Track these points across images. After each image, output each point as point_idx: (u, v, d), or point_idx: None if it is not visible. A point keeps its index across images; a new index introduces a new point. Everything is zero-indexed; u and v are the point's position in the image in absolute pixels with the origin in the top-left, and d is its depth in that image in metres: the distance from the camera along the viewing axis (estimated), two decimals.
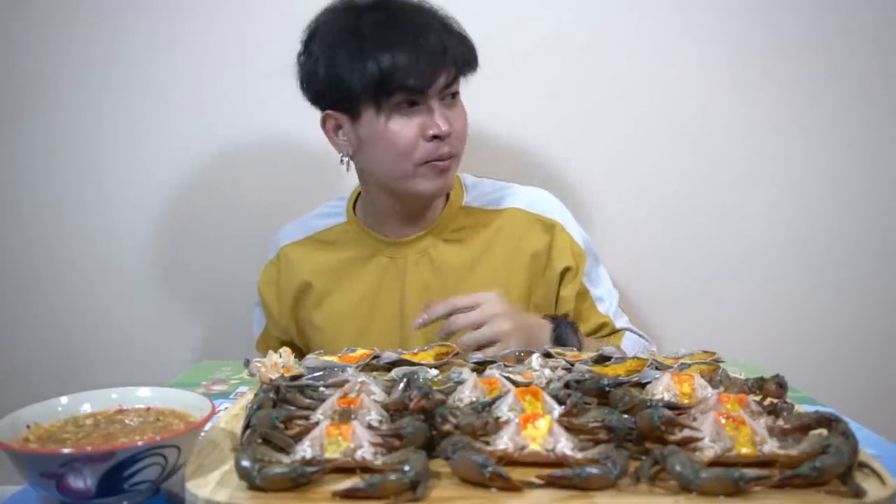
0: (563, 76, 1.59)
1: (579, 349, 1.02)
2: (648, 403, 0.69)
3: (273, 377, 0.83)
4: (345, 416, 0.68)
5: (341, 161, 1.20)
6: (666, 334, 1.62)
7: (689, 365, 0.84)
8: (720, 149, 1.61)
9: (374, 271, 1.25)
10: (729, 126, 1.61)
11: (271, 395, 0.73)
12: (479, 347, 1.01)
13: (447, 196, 1.26)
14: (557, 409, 0.68)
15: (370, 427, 0.66)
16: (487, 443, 0.63)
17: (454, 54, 1.13)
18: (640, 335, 1.28)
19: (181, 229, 1.65)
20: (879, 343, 1.68)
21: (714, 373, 0.81)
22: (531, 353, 0.91)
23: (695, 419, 0.66)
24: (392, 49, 1.10)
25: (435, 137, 1.13)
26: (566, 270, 1.24)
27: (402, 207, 1.22)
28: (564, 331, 1.09)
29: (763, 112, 1.60)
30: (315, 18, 1.16)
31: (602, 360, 0.91)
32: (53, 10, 1.58)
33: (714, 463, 0.59)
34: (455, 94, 1.17)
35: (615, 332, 1.26)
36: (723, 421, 0.62)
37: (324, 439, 0.61)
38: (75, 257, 1.65)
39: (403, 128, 1.13)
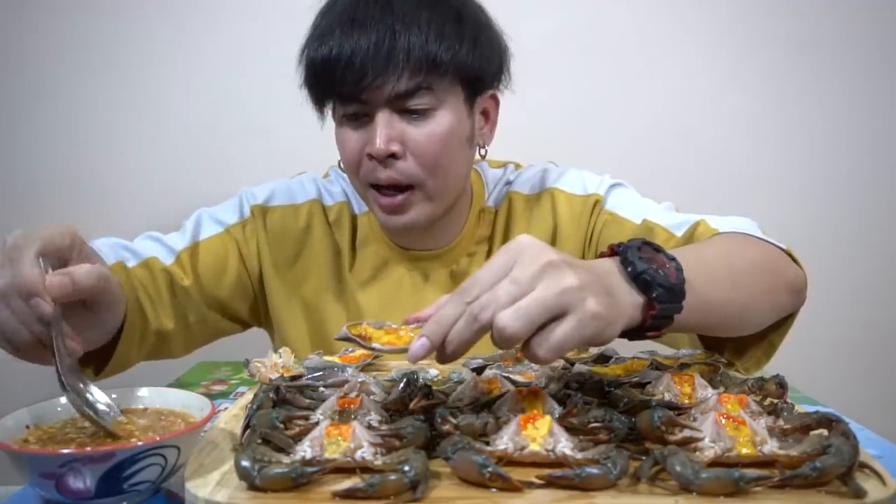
0: (562, 76, 1.59)
1: (671, 259, 0.68)
2: (648, 403, 0.69)
3: (273, 377, 0.83)
4: (345, 416, 0.68)
5: None
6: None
7: (689, 365, 0.84)
8: (720, 148, 1.61)
9: (388, 282, 1.10)
10: (729, 126, 1.61)
11: (271, 395, 0.73)
12: (541, 327, 0.58)
13: (470, 201, 1.10)
14: (557, 409, 0.68)
15: (370, 427, 0.65)
16: (487, 443, 0.63)
17: (425, 53, 0.89)
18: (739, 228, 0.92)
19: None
20: (879, 343, 1.68)
21: (714, 373, 0.81)
22: None
23: (695, 419, 0.66)
24: (328, 38, 0.90)
25: (371, 157, 0.94)
26: (591, 231, 1.06)
27: None
28: (632, 257, 0.66)
29: (763, 111, 1.60)
30: None
31: (602, 360, 0.91)
32: (54, 10, 1.59)
33: (714, 463, 0.59)
34: (424, 109, 0.93)
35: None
36: (723, 421, 0.62)
37: (324, 439, 0.61)
38: None
39: (349, 137, 0.96)
